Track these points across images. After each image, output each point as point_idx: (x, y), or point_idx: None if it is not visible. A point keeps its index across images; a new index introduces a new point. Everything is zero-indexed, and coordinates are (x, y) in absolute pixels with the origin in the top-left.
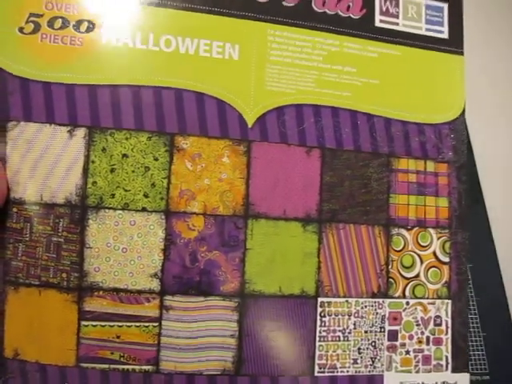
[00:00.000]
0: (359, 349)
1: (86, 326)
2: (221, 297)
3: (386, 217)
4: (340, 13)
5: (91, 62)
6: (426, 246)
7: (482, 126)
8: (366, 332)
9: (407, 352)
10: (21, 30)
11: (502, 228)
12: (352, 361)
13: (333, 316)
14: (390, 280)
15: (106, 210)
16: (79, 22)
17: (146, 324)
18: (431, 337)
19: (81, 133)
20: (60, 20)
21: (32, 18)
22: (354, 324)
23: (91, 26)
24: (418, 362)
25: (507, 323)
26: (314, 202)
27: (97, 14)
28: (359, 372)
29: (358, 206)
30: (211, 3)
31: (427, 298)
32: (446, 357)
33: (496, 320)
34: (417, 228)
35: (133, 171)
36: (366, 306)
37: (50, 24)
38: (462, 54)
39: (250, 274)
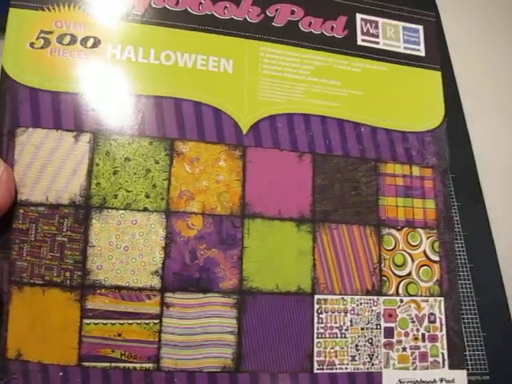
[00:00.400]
0: (357, 346)
1: (88, 324)
2: (220, 293)
3: (376, 217)
4: (325, 32)
5: (97, 75)
6: (416, 246)
7: (482, 126)
8: (362, 329)
9: (404, 349)
10: (32, 45)
11: (502, 228)
12: (350, 358)
13: (329, 313)
14: (384, 278)
15: (109, 210)
16: (86, 39)
17: (147, 321)
18: (426, 334)
19: (86, 138)
20: (68, 36)
21: (42, 35)
22: (351, 321)
23: (97, 42)
24: (414, 358)
25: (507, 323)
26: (308, 203)
27: (102, 32)
28: (358, 369)
29: (349, 207)
30: (208, 23)
31: (420, 296)
32: (442, 354)
33: (496, 320)
34: (406, 228)
35: (135, 173)
36: (361, 304)
37: (59, 40)
38: (438, 69)
39: (247, 271)
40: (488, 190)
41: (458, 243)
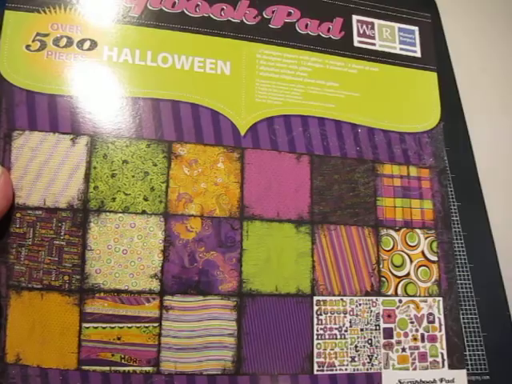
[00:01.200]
0: (356, 346)
1: (88, 328)
2: (219, 296)
3: (374, 218)
4: (321, 34)
5: (93, 77)
6: (414, 246)
7: (482, 126)
8: (361, 330)
9: (403, 349)
10: (28, 47)
11: (502, 228)
12: (350, 359)
13: (329, 314)
14: (382, 279)
15: (107, 214)
16: (82, 41)
17: (147, 324)
18: (425, 334)
19: (83, 141)
20: (65, 39)
21: (38, 37)
22: (350, 322)
23: (93, 45)
24: (414, 359)
25: (507, 323)
26: (306, 204)
27: (98, 34)
28: (357, 370)
29: (348, 208)
30: (204, 25)
31: (419, 296)
32: (442, 354)
33: (496, 320)
34: (404, 229)
35: (133, 176)
36: (360, 304)
37: (56, 42)
38: (434, 70)
39: (247, 273)
40: (488, 190)
41: (457, 243)
